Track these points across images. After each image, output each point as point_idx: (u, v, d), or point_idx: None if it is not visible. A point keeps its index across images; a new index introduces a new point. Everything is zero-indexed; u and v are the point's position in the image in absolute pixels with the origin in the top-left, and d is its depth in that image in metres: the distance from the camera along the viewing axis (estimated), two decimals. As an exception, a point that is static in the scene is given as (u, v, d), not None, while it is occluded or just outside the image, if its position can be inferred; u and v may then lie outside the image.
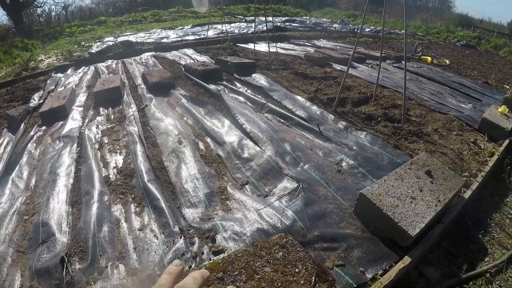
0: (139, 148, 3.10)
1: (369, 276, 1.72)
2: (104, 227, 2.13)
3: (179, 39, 10.32)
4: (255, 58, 6.59)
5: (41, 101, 4.99)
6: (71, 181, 2.70)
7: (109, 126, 3.76)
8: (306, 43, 9.80)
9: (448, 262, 2.10)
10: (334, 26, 14.72)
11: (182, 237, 2.00)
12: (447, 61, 8.36)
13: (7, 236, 2.20)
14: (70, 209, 2.36)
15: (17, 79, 6.66)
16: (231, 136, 3.19)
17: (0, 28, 15.23)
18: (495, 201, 2.82)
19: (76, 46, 10.38)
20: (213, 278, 1.47)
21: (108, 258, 1.91)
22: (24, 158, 3.28)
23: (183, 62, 6.54)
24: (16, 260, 2.00)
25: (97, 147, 3.26)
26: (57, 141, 3.49)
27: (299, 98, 4.27)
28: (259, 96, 4.41)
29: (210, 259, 1.81)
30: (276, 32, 11.16)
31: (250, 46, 7.73)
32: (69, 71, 7.06)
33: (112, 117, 4.10)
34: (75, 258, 1.93)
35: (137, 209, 2.32)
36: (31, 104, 4.89)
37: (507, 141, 3.48)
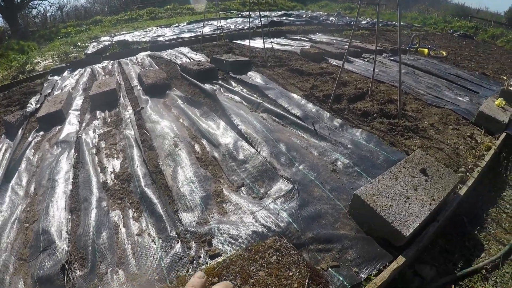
0: (135, 152, 3.12)
1: (363, 276, 1.75)
2: (103, 233, 2.16)
3: (175, 36, 10.26)
4: (251, 55, 6.55)
5: (38, 105, 5.00)
6: (70, 187, 2.73)
7: (106, 130, 3.77)
8: (302, 38, 9.72)
9: (443, 259, 2.12)
10: (330, 19, 14.57)
11: (179, 241, 2.03)
12: (444, 53, 8.29)
13: (8, 244, 2.24)
14: (70, 216, 2.39)
15: (13, 82, 6.67)
16: (227, 138, 3.20)
17: (-5, 31, 15.13)
18: (491, 196, 2.82)
19: (72, 47, 10.32)
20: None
21: (107, 264, 1.94)
22: (23, 165, 3.30)
23: (178, 62, 6.51)
24: (19, 268, 2.04)
25: (94, 152, 3.28)
26: (55, 147, 3.51)
27: (295, 96, 4.26)
28: (255, 95, 4.41)
29: (207, 263, 1.84)
30: (272, 27, 11.10)
31: (246, 42, 7.67)
32: (65, 74, 7.05)
33: (109, 120, 4.11)
34: (75, 265, 1.96)
35: (135, 214, 2.35)
36: (28, 109, 4.90)
37: (504, 134, 3.48)
